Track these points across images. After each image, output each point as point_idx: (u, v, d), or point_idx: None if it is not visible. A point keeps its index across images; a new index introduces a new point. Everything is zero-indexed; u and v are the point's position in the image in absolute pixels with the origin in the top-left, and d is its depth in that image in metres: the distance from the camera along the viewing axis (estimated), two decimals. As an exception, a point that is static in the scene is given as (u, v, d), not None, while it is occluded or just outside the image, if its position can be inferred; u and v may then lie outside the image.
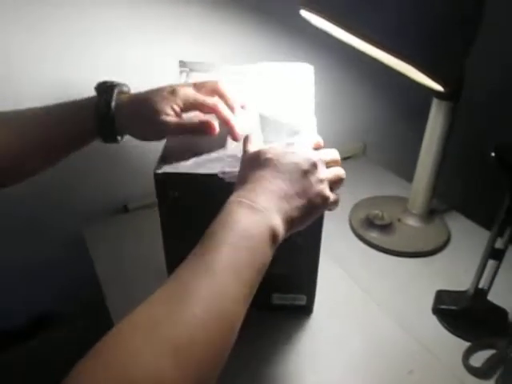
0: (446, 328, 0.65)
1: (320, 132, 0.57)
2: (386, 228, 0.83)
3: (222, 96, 0.59)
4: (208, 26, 0.85)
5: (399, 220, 0.86)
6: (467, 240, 0.83)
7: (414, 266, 0.77)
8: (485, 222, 0.86)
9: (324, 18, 0.56)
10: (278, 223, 0.42)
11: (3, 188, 0.58)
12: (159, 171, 0.53)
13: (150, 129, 0.58)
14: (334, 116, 1.05)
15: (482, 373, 0.58)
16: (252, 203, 0.41)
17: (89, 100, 0.58)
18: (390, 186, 0.99)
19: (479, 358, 0.60)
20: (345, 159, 1.05)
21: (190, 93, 0.57)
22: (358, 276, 0.74)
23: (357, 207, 0.90)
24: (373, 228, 0.83)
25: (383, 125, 1.18)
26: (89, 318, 0.84)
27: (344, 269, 0.76)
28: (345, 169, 0.50)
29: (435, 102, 0.75)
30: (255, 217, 0.40)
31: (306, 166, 0.45)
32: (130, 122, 0.58)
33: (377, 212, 0.84)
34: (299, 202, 0.44)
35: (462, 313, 0.65)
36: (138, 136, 0.59)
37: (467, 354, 0.61)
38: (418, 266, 0.77)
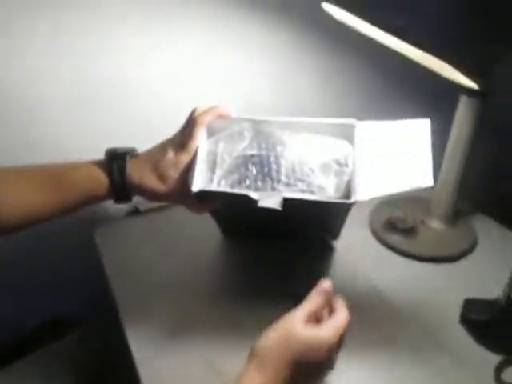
0: (474, 340, 0.62)
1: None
2: (408, 231, 0.79)
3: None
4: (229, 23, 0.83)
5: (422, 222, 0.82)
6: (495, 244, 0.79)
7: (439, 272, 0.73)
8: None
9: (348, 11, 0.53)
10: None
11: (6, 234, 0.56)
12: (196, 189, 0.53)
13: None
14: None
15: (516, 389, 0.55)
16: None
17: (100, 165, 0.58)
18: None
19: (512, 373, 0.56)
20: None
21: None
22: (379, 282, 0.71)
23: (377, 209, 0.87)
24: (395, 231, 0.79)
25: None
26: (99, 321, 0.83)
27: (365, 274, 0.72)
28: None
29: (464, 99, 0.71)
30: None
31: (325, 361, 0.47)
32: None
33: (399, 215, 0.80)
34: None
35: (492, 324, 0.62)
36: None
37: (499, 369, 0.57)
38: (443, 272, 0.73)
